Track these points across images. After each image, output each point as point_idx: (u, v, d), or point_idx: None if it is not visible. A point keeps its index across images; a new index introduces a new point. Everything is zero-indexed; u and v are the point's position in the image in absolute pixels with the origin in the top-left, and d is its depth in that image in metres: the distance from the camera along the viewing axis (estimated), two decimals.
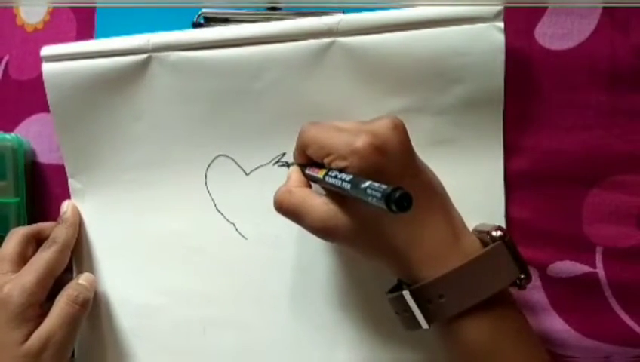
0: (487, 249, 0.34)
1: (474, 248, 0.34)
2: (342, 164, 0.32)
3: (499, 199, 0.39)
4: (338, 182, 0.32)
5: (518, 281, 0.34)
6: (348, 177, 0.31)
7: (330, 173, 0.33)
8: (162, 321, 0.44)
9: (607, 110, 0.38)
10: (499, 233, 0.34)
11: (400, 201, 0.27)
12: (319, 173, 0.34)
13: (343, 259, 0.41)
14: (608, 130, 0.38)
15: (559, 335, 0.39)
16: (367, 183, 0.29)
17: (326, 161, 0.34)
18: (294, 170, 0.37)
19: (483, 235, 0.35)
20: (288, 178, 0.37)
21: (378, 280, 0.38)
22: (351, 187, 0.30)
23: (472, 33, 0.37)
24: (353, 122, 0.35)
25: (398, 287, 0.35)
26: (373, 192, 0.28)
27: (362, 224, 0.33)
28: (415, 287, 0.33)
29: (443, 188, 0.35)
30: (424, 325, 0.34)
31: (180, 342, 0.44)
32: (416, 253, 0.33)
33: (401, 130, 0.33)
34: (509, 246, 0.34)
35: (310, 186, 0.36)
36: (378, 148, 0.32)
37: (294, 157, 0.38)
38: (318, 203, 0.34)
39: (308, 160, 0.36)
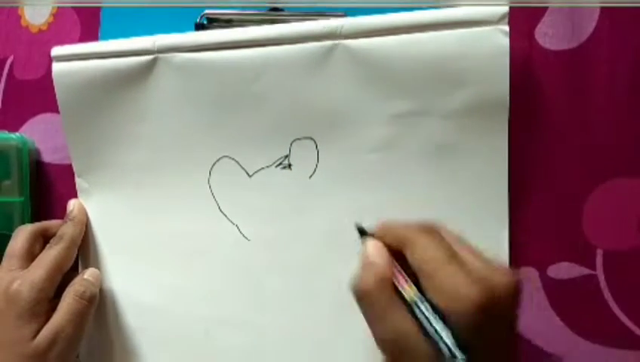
0: None
1: None
2: (437, 299, 0.29)
3: (503, 201, 0.39)
4: (424, 319, 0.29)
5: None
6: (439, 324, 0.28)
7: (421, 307, 0.29)
8: (165, 320, 0.44)
9: (607, 110, 0.38)
10: None
11: None
12: (407, 289, 0.31)
13: (346, 261, 0.41)
14: (609, 132, 0.38)
15: (558, 337, 0.39)
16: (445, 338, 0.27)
17: (422, 282, 0.30)
18: (378, 250, 0.32)
19: None
20: (373, 260, 0.32)
21: None
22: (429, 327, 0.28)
23: (476, 36, 0.37)
24: (478, 259, 0.30)
25: None
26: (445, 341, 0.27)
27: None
28: None
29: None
30: None
31: (183, 342, 0.44)
32: None
33: (519, 296, 0.29)
34: None
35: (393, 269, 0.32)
36: (484, 311, 0.27)
37: (379, 228, 0.33)
38: (399, 316, 0.30)
39: (395, 245, 0.32)
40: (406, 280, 0.31)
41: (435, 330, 0.28)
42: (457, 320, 0.28)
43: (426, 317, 0.28)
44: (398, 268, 0.31)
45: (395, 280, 0.31)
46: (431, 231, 0.31)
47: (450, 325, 0.28)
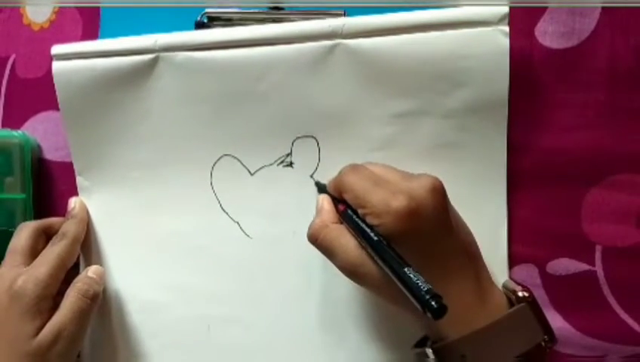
0: (510, 311, 0.34)
1: (500, 308, 0.34)
2: (375, 221, 0.32)
3: (501, 198, 0.39)
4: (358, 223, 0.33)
5: (542, 343, 0.34)
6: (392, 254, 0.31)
7: (370, 234, 0.33)
8: (167, 318, 0.44)
9: (607, 110, 0.38)
10: (524, 294, 0.34)
11: (437, 311, 0.28)
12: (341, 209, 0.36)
13: None
14: (608, 130, 0.38)
15: (559, 333, 0.38)
16: (413, 276, 0.30)
17: (360, 212, 0.34)
18: (326, 200, 0.37)
19: (509, 294, 0.35)
20: (320, 208, 0.37)
21: None
22: (392, 270, 0.31)
23: (476, 37, 0.37)
24: (394, 173, 0.35)
25: (422, 342, 0.35)
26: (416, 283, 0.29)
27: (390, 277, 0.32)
28: (438, 346, 0.33)
29: (476, 246, 0.36)
30: None
31: (185, 339, 0.44)
32: None
33: (439, 193, 0.33)
34: (534, 308, 0.34)
35: (341, 221, 0.36)
36: (413, 213, 0.32)
37: (328, 186, 0.38)
38: (351, 245, 0.34)
39: (341, 196, 0.36)
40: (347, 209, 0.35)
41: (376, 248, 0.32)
42: (392, 231, 0.32)
43: (359, 222, 0.33)
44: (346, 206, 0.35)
45: (347, 219, 0.35)
46: (355, 169, 0.36)
47: (386, 236, 0.32)
